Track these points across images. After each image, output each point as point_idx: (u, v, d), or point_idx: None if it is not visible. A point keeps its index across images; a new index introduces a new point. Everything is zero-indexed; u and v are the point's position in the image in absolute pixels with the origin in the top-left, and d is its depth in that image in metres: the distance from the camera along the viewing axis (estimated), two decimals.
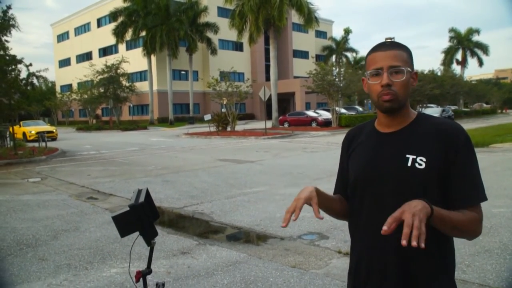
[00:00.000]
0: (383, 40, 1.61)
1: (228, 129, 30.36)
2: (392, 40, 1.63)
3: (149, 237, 1.87)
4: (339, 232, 5.83)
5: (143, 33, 44.93)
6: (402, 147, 1.51)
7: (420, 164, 1.46)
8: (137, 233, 1.85)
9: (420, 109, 32.66)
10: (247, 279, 4.33)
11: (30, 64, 18.24)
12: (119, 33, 45.37)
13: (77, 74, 57.62)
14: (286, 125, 35.19)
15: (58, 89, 66.95)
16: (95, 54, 60.08)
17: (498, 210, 6.50)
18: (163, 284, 1.96)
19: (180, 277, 4.42)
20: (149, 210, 1.85)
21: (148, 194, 1.89)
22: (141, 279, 1.94)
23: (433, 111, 32.81)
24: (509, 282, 4.03)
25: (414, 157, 1.47)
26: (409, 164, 1.47)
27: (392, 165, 1.51)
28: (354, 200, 1.64)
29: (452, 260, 1.53)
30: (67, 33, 66.85)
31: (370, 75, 1.53)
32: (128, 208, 1.79)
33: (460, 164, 1.45)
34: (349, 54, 68.43)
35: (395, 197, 1.48)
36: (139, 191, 1.89)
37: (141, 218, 1.80)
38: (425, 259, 1.47)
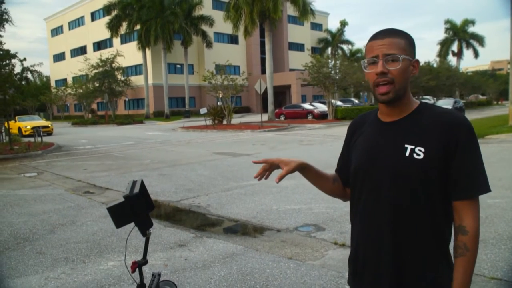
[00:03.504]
0: None
1: (224, 122, 30.31)
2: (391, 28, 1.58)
3: (144, 228, 1.88)
4: (335, 223, 5.85)
5: (138, 27, 44.66)
6: (402, 136, 1.50)
7: (418, 155, 1.44)
8: (133, 224, 1.85)
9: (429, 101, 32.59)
10: (244, 271, 4.35)
11: (25, 59, 18.22)
12: (113, 27, 45.11)
13: (72, 68, 57.36)
14: (282, 118, 35.14)
15: (53, 83, 66.58)
16: (90, 48, 59.72)
17: (493, 200, 6.53)
18: (159, 274, 1.97)
19: (177, 269, 4.43)
20: (144, 200, 1.85)
21: (143, 185, 1.90)
22: (137, 270, 1.95)
23: (445, 102, 32.58)
24: (504, 272, 4.07)
25: (413, 147, 1.45)
26: (407, 154, 1.46)
27: (390, 155, 1.50)
28: (354, 189, 1.65)
29: (446, 245, 1.51)
30: (61, 27, 66.38)
31: (367, 63, 1.52)
32: (123, 199, 1.79)
33: (460, 156, 1.42)
34: (344, 47, 68.31)
35: (392, 187, 1.49)
36: (134, 182, 1.89)
37: (136, 209, 1.81)
38: (418, 247, 1.47)
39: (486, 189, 1.46)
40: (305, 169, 1.69)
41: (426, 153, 1.44)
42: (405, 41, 1.49)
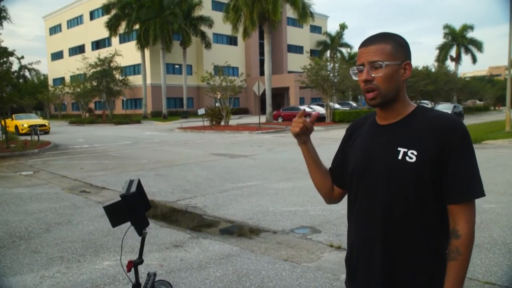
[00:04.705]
0: None
1: (222, 123, 30.31)
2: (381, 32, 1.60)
3: (141, 227, 1.88)
4: (331, 226, 5.86)
5: (137, 26, 44.56)
6: (395, 140, 1.51)
7: (410, 158, 1.45)
8: (129, 223, 1.85)
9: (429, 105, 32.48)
10: (240, 272, 4.35)
11: (22, 57, 18.09)
12: (112, 26, 44.99)
13: (69, 67, 57.16)
14: (280, 120, 35.18)
15: (50, 82, 66.41)
16: (88, 47, 59.60)
17: (488, 205, 6.56)
18: (155, 274, 1.98)
19: (173, 270, 4.43)
20: (140, 200, 1.85)
21: (139, 184, 1.90)
22: (132, 269, 1.95)
23: (445, 107, 32.65)
24: (498, 277, 4.08)
25: (406, 150, 1.47)
26: (400, 157, 1.47)
27: (383, 157, 1.52)
28: (351, 190, 1.67)
29: (440, 250, 1.50)
30: (59, 25, 66.23)
31: (357, 71, 1.56)
32: (119, 198, 1.79)
33: (454, 160, 1.42)
34: (343, 50, 68.35)
35: (385, 189, 1.50)
36: (131, 182, 1.90)
37: (133, 208, 1.81)
38: (410, 249, 1.48)
39: (480, 193, 1.45)
40: (309, 141, 1.86)
41: (419, 156, 1.44)
42: (392, 45, 1.50)
